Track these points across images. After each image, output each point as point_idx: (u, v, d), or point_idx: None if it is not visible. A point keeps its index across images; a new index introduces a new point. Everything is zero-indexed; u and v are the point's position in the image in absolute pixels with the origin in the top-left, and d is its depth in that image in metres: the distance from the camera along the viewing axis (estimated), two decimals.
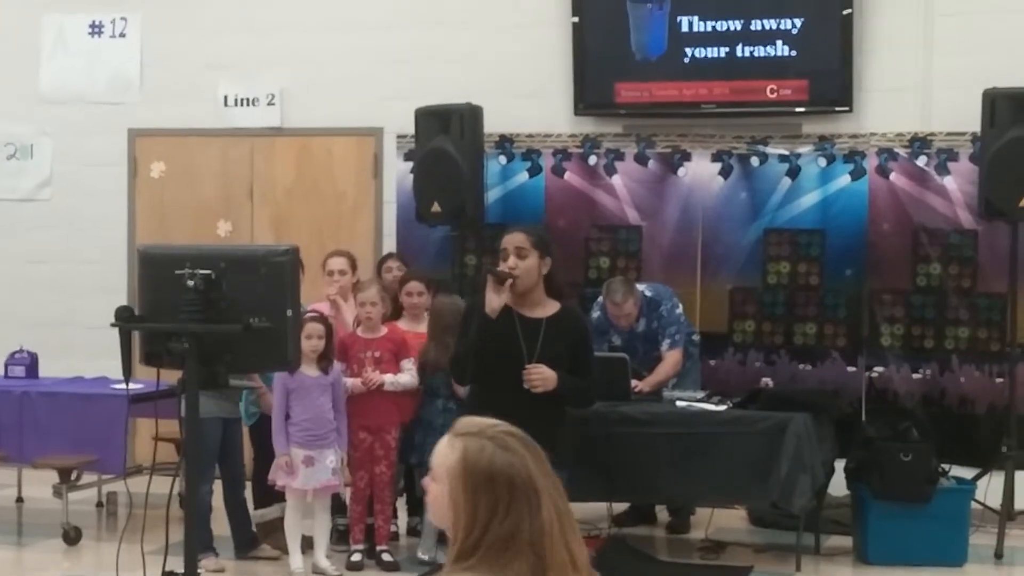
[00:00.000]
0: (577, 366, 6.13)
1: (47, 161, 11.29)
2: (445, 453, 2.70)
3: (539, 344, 6.01)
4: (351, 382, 8.01)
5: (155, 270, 5.08)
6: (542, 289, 6.13)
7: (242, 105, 10.81)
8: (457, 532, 2.67)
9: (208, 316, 4.86)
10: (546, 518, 2.71)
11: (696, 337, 9.41)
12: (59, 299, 11.04)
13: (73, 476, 8.85)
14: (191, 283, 4.84)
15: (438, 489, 2.70)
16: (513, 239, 6.12)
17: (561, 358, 6.04)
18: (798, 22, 9.75)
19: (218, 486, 8.14)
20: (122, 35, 11.10)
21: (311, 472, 7.80)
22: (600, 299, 9.06)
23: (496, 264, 6.29)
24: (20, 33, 11.20)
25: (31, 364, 9.52)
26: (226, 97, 10.83)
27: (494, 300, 6.00)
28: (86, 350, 10.31)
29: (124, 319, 4.98)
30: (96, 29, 11.15)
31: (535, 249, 6.07)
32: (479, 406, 5.85)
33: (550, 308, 6.15)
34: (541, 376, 5.95)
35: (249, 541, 8.33)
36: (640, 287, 9.07)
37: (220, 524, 8.23)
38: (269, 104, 10.77)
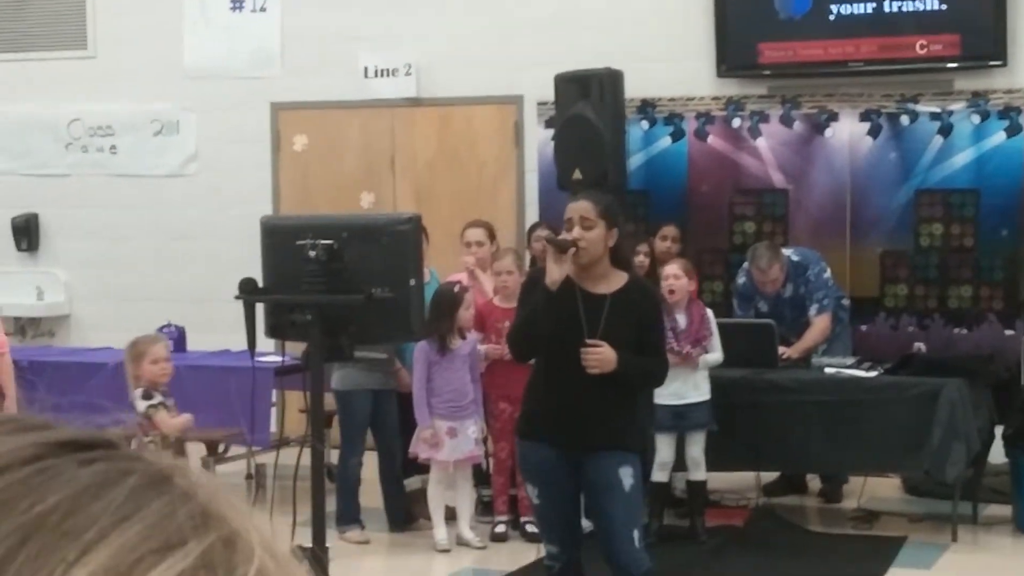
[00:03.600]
0: (645, 344, 5.66)
1: (192, 137, 11.39)
2: None
3: (602, 322, 5.54)
4: (489, 347, 7.96)
5: (277, 241, 5.04)
6: (608, 262, 5.66)
7: (382, 76, 10.78)
8: None
9: (330, 287, 4.80)
10: None
11: (846, 302, 9.18)
12: (205, 274, 11.11)
13: (221, 449, 8.91)
14: (313, 254, 4.78)
15: None
16: (578, 207, 5.63)
17: (626, 336, 5.57)
18: None
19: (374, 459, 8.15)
20: (263, 9, 11.14)
21: (455, 444, 7.76)
22: (745, 265, 8.90)
23: (557, 234, 5.96)
24: (162, 10, 11.30)
25: (179, 338, 9.61)
26: (366, 69, 10.80)
27: (555, 271, 5.51)
28: (231, 324, 10.35)
29: (248, 291, 4.94)
30: (237, 4, 11.20)
31: (602, 219, 5.57)
32: (542, 386, 5.68)
33: (616, 282, 5.67)
34: (599, 357, 5.48)
35: (403, 516, 8.28)
36: (786, 252, 8.88)
37: (375, 497, 8.22)
38: (408, 75, 10.72)
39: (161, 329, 9.65)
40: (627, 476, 5.53)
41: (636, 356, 5.60)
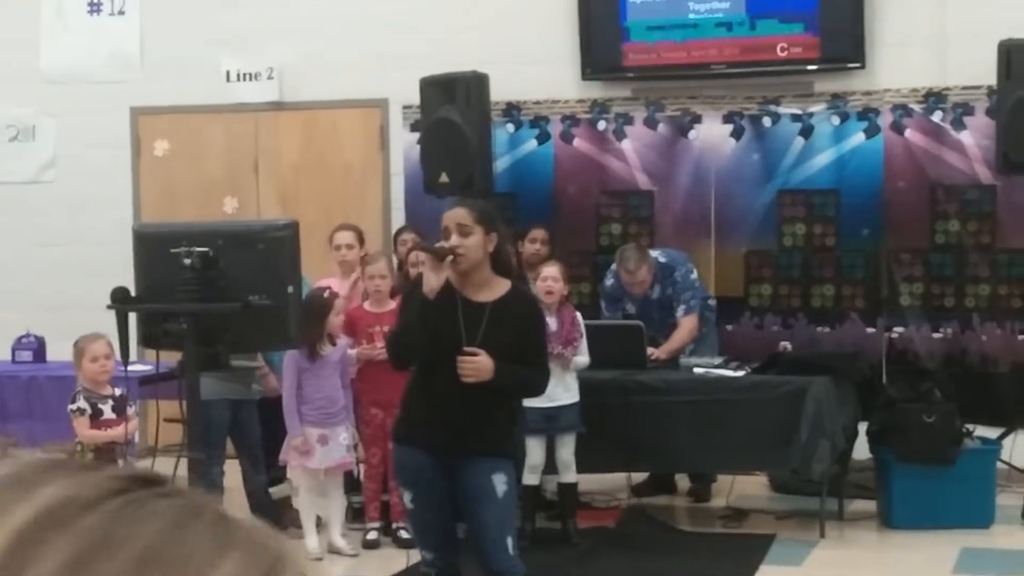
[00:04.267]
0: (525, 353, 5.61)
1: (50, 143, 11.15)
2: None
3: (481, 331, 5.50)
4: (358, 350, 7.91)
5: (151, 249, 4.95)
6: (488, 268, 5.61)
7: (245, 80, 10.65)
8: None
9: (206, 295, 4.72)
10: None
11: (712, 302, 9.27)
12: (66, 282, 10.89)
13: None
14: (188, 261, 4.70)
15: None
16: (454, 215, 5.57)
17: (506, 345, 5.52)
18: None
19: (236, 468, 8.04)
20: (121, 12, 10.94)
21: (326, 451, 7.69)
22: (613, 267, 8.95)
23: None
24: (19, 13, 11.05)
25: (38, 348, 9.41)
26: (228, 72, 10.66)
27: (432, 279, 5.43)
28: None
29: (120, 301, 4.84)
30: (95, 7, 10.99)
31: (479, 225, 5.51)
32: (420, 392, 5.62)
33: (498, 290, 5.61)
34: (475, 366, 5.43)
35: (272, 525, 8.16)
36: (654, 253, 8.95)
37: (239, 507, 8.10)
38: (272, 78, 10.60)
39: (20, 340, 9.45)
40: (500, 482, 5.51)
41: (515, 365, 5.56)
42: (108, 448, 7.09)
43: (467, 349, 5.45)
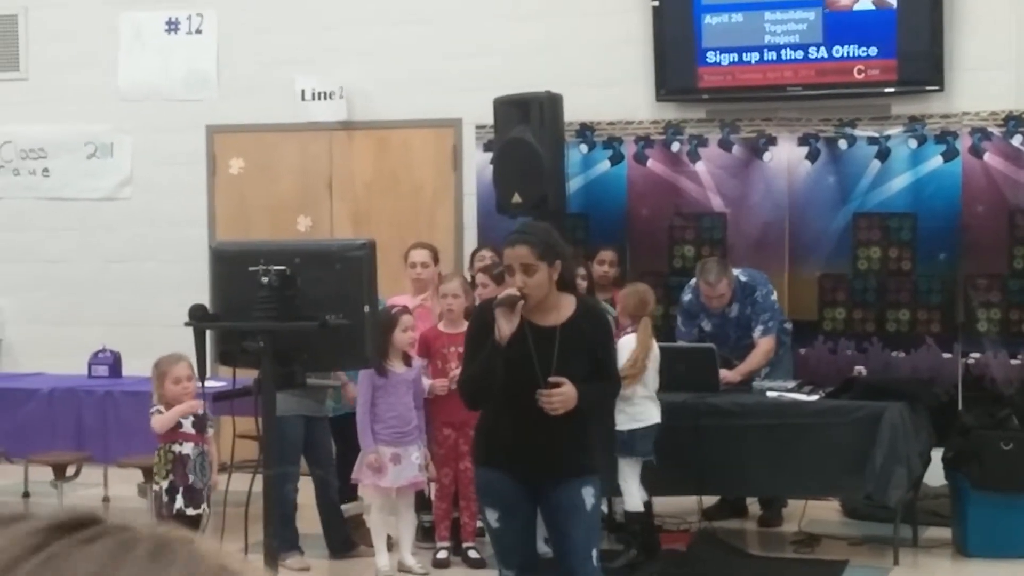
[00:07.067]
0: (598, 367, 5.59)
1: (127, 160, 11.27)
2: None
3: (555, 356, 5.44)
4: (435, 383, 7.90)
5: (229, 267, 4.97)
6: (555, 291, 5.54)
7: (319, 99, 10.71)
8: None
9: (283, 314, 4.73)
10: None
11: (788, 325, 9.21)
12: (141, 298, 11.01)
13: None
14: (265, 280, 4.71)
15: None
16: (517, 254, 5.45)
17: (580, 367, 5.49)
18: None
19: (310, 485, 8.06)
20: (198, 31, 11.05)
21: (399, 470, 7.69)
22: (692, 281, 8.89)
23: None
24: (97, 32, 11.18)
25: (114, 363, 9.49)
26: (303, 91, 10.72)
27: (504, 327, 5.34)
28: (168, 349, 10.23)
29: (198, 318, 4.87)
30: (172, 26, 11.11)
31: (542, 261, 5.43)
32: (497, 419, 5.57)
33: (565, 310, 5.55)
34: (562, 399, 5.38)
35: (343, 542, 8.19)
36: (735, 271, 8.87)
37: (311, 523, 8.13)
38: (344, 98, 10.66)
39: (96, 355, 9.53)
40: (589, 495, 5.52)
41: (590, 383, 5.52)
42: (182, 460, 7.18)
43: (551, 380, 5.41)
